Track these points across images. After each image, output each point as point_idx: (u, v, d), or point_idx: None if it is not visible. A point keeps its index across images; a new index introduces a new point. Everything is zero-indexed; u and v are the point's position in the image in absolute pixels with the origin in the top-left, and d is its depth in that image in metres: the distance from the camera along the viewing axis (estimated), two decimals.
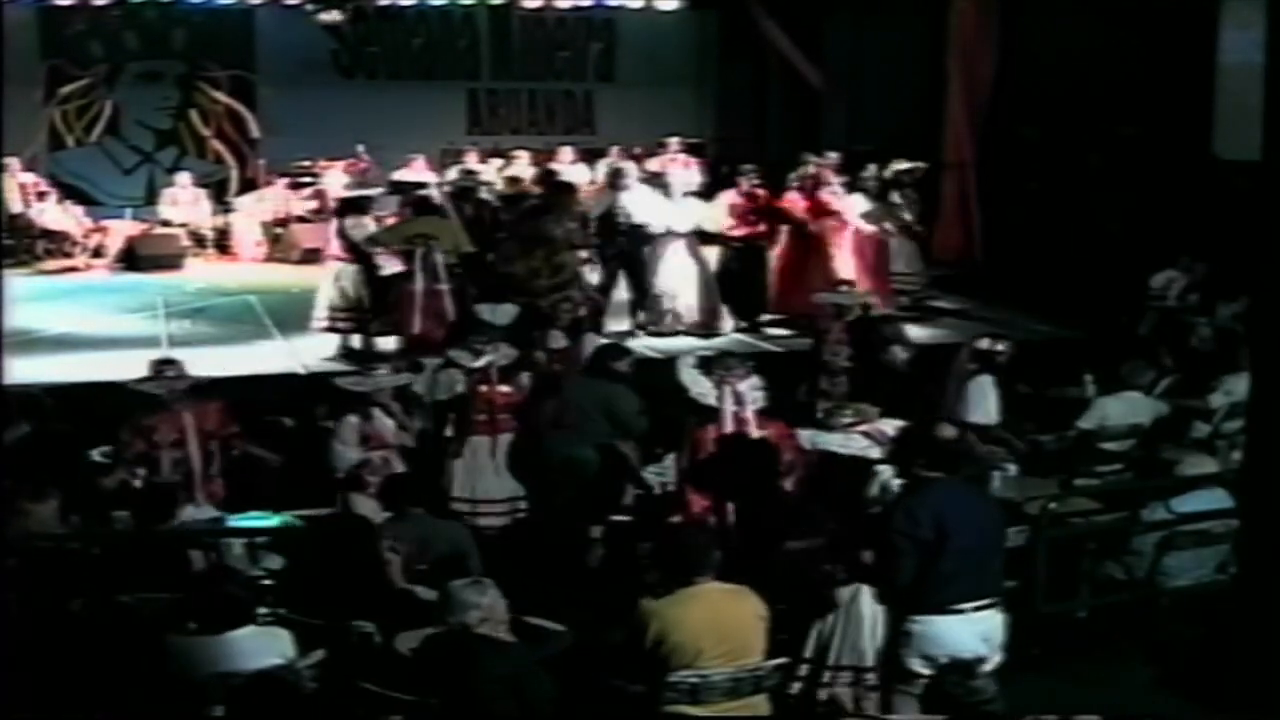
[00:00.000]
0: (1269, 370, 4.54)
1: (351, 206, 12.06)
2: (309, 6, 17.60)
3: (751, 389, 7.28)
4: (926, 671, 5.58)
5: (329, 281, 11.74)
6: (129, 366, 11.10)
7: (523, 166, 16.88)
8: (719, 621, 5.39)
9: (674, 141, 17.54)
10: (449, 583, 5.46)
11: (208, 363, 11.35)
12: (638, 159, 17.15)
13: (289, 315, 12.76)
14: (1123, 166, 15.19)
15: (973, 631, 5.57)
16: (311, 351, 11.86)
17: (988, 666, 5.62)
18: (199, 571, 6.77)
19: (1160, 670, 6.68)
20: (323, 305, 11.71)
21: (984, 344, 8.79)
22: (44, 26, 17.93)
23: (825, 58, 17.85)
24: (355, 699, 5.40)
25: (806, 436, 6.54)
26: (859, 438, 6.31)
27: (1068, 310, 13.05)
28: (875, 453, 6.18)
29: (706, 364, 7.51)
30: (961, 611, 5.52)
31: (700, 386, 7.20)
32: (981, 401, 8.37)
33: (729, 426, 7.20)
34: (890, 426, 6.53)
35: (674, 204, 12.63)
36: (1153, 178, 14.70)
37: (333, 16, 17.68)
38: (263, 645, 5.50)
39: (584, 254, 11.93)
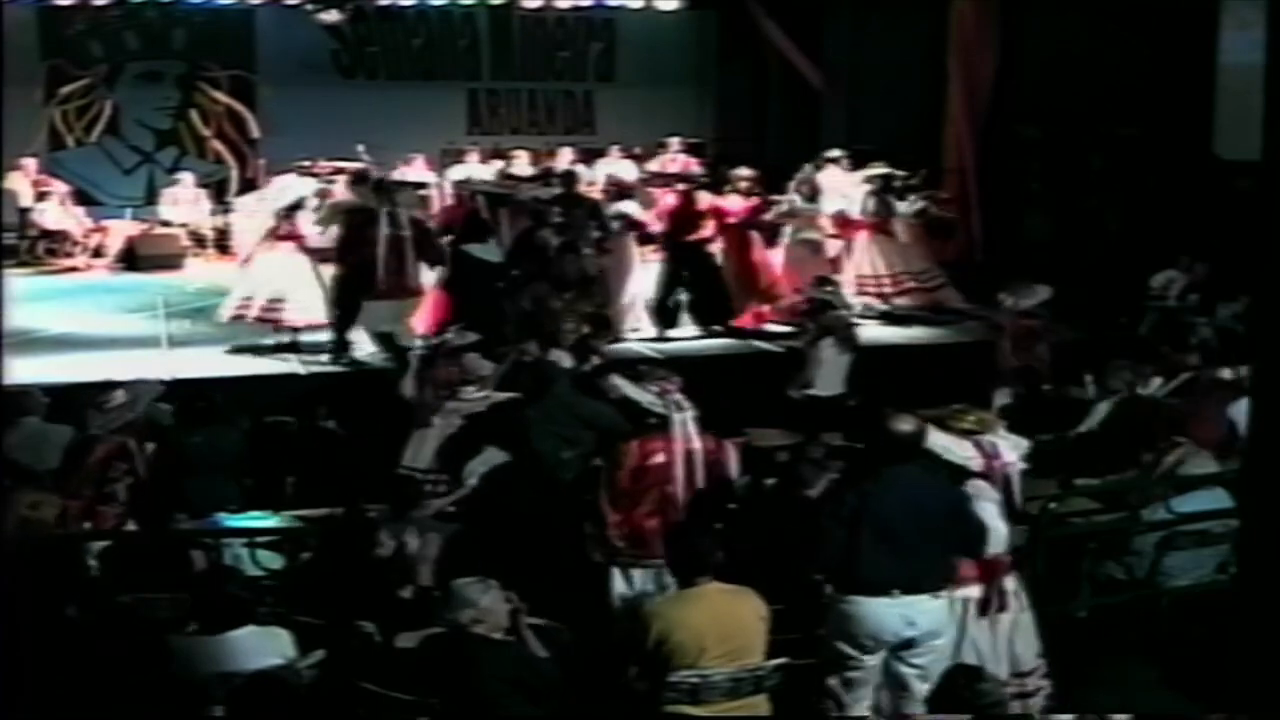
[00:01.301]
0: (1269, 370, 4.53)
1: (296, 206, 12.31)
2: (309, 6, 17.59)
3: (684, 399, 7.06)
4: (850, 651, 5.70)
5: (255, 273, 11.96)
6: (129, 366, 11.19)
7: (523, 166, 16.88)
8: (721, 621, 5.41)
9: (674, 141, 17.55)
10: (454, 579, 5.46)
11: (208, 363, 11.43)
12: (638, 159, 17.20)
13: None
14: (1123, 167, 15.19)
15: (897, 615, 5.66)
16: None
17: (921, 653, 5.75)
18: (199, 571, 6.77)
19: (1160, 670, 6.68)
20: (242, 296, 11.92)
21: (1227, 373, 8.81)
22: (44, 26, 17.92)
23: (825, 58, 17.85)
24: (355, 699, 5.40)
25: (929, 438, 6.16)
26: (969, 445, 6.08)
27: (1067, 310, 13.03)
28: (975, 465, 6.04)
29: (638, 377, 7.26)
30: (890, 595, 5.62)
31: (646, 398, 7.02)
32: None
33: (678, 438, 6.90)
34: (1006, 442, 6.27)
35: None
36: (1153, 178, 14.70)
37: (333, 16, 17.66)
38: (263, 645, 5.50)
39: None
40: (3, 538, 5.98)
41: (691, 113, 19.56)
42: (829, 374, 9.84)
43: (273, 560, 7.13)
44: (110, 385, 8.32)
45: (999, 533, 5.97)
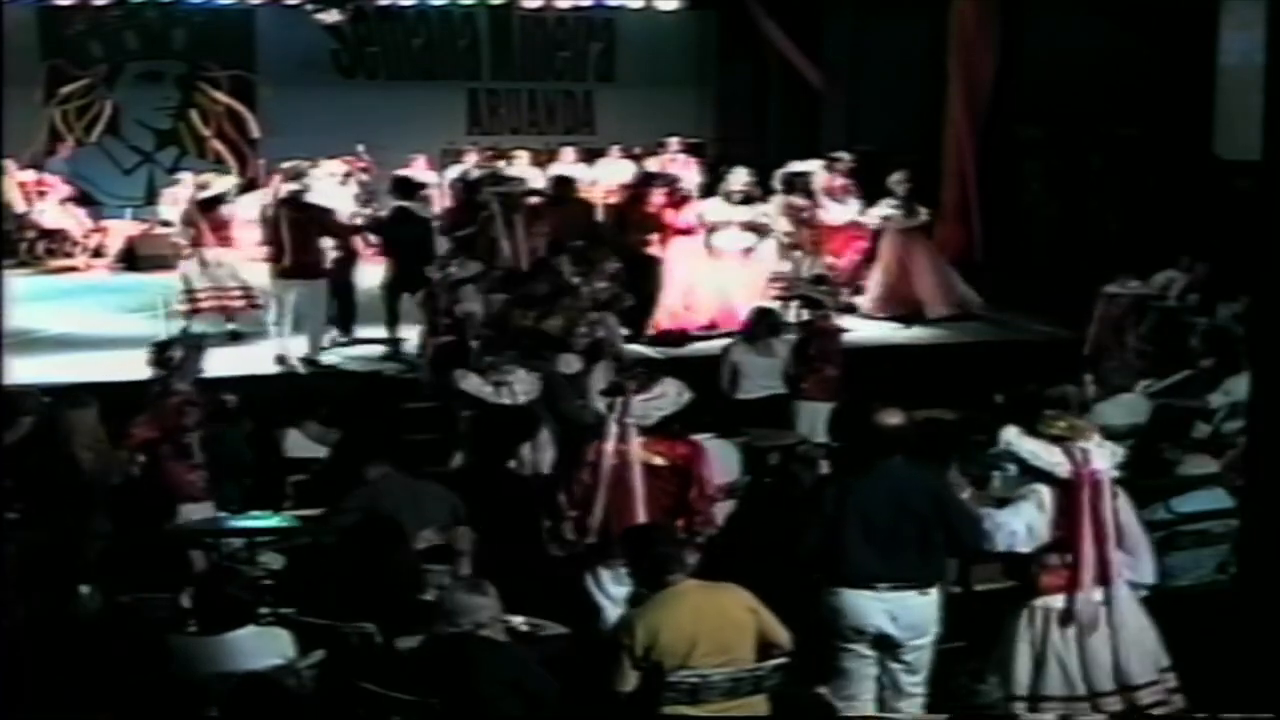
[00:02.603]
0: (1269, 370, 4.53)
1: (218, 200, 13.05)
2: (309, 6, 17.59)
3: (646, 403, 6.82)
4: (838, 644, 5.80)
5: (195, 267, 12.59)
6: (129, 366, 11.18)
7: (523, 166, 16.88)
8: (706, 617, 5.40)
9: (674, 141, 17.55)
10: (448, 590, 5.44)
11: (208, 362, 11.42)
12: (638, 159, 17.20)
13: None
14: (1123, 166, 15.18)
15: (879, 609, 5.74)
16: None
17: (907, 650, 5.80)
18: (199, 571, 6.77)
19: None
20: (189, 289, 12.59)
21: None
22: (44, 26, 17.93)
23: (825, 58, 17.85)
24: (355, 699, 5.40)
25: (1007, 434, 5.95)
26: (1058, 452, 5.88)
27: (1068, 310, 13.04)
28: (1063, 472, 5.79)
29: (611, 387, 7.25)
30: (874, 589, 5.71)
31: (596, 402, 7.07)
32: None
33: (610, 442, 6.75)
34: (1101, 450, 5.95)
35: None
36: (1153, 178, 14.69)
37: (333, 16, 17.67)
38: (263, 645, 5.50)
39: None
40: (2, 538, 5.98)
41: (691, 113, 19.55)
42: (755, 375, 9.83)
43: (273, 560, 7.12)
44: (166, 344, 8.60)
45: (1017, 533, 5.84)
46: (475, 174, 14.10)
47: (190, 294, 12.54)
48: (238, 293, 12.55)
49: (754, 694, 5.45)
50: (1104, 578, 5.87)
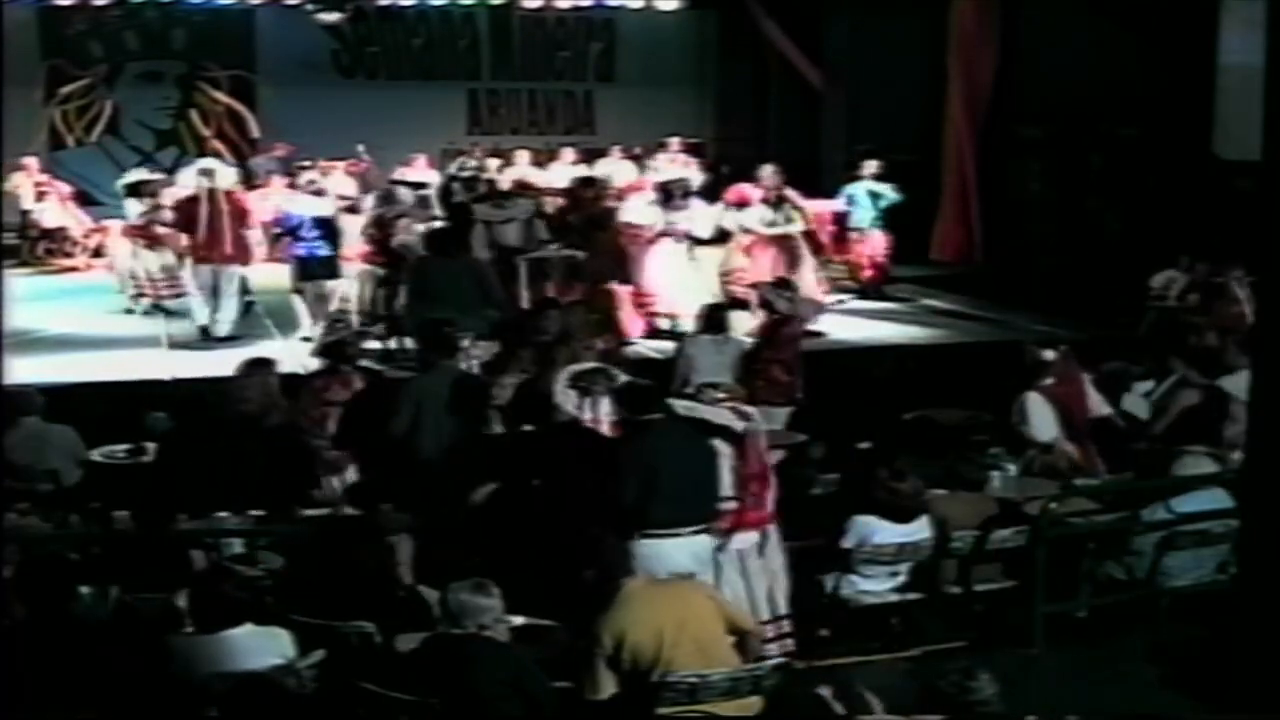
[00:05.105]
0: (1269, 370, 4.53)
1: (133, 192, 13.67)
2: (309, 6, 17.62)
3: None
4: None
5: (126, 260, 13.63)
6: (129, 366, 11.21)
7: (524, 166, 16.88)
8: (667, 610, 5.44)
9: (674, 141, 17.56)
10: (452, 591, 5.44)
11: (208, 363, 11.44)
12: (638, 159, 17.22)
13: (289, 315, 12.77)
14: (1123, 167, 15.20)
15: (687, 552, 6.25)
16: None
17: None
18: (199, 571, 6.75)
19: (1161, 670, 6.68)
20: (128, 278, 13.58)
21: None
22: (44, 26, 17.96)
23: (825, 57, 17.87)
24: (355, 699, 5.39)
25: (682, 406, 6.87)
26: (727, 412, 6.80)
27: (1068, 310, 13.05)
28: (739, 426, 6.63)
29: (577, 379, 7.80)
30: (679, 535, 6.22)
31: (567, 401, 7.63)
32: None
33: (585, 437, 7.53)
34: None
35: None
36: (1153, 178, 14.71)
37: (333, 16, 17.69)
38: (262, 645, 5.49)
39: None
40: (1, 538, 5.98)
41: (691, 113, 19.57)
42: (707, 371, 9.76)
43: (272, 560, 7.11)
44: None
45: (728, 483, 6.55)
46: (459, 193, 13.93)
47: (134, 281, 13.52)
48: (163, 281, 13.34)
49: (753, 694, 5.46)
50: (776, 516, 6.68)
